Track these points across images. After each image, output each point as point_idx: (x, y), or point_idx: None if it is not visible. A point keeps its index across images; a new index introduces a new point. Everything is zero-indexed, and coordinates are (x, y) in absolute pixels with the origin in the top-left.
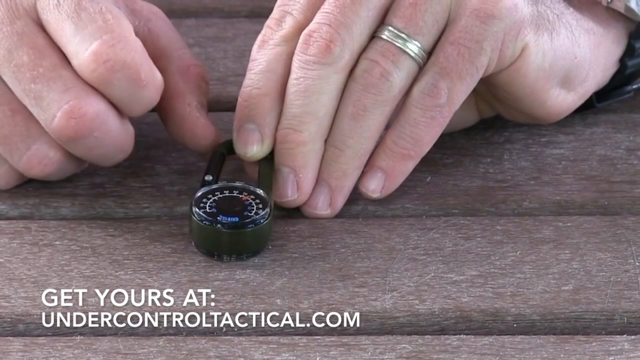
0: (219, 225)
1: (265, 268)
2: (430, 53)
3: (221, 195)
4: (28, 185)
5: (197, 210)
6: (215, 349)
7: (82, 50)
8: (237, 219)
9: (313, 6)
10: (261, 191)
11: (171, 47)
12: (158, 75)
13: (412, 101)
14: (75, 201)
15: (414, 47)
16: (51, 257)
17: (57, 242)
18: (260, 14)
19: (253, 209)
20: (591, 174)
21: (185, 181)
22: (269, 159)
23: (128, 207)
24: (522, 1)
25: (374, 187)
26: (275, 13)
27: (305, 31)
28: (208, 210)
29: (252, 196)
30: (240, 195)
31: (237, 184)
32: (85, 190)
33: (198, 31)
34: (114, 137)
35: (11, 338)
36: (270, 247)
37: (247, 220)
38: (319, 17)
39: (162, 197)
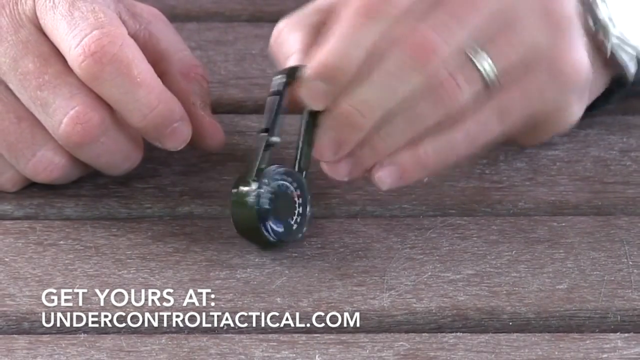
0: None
1: (265, 267)
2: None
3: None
4: (33, 186)
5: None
6: (217, 346)
7: (73, 46)
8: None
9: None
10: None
11: (172, 49)
12: (155, 77)
13: (464, 128)
14: (79, 202)
15: (491, 73)
16: (55, 256)
17: (62, 242)
18: (261, 18)
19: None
20: (585, 175)
21: (187, 182)
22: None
23: (131, 207)
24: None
25: (390, 182)
26: None
27: (413, 28)
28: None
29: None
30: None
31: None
32: (89, 191)
33: (199, 35)
34: (121, 143)
35: (16, 336)
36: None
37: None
38: (429, 19)
39: (165, 198)
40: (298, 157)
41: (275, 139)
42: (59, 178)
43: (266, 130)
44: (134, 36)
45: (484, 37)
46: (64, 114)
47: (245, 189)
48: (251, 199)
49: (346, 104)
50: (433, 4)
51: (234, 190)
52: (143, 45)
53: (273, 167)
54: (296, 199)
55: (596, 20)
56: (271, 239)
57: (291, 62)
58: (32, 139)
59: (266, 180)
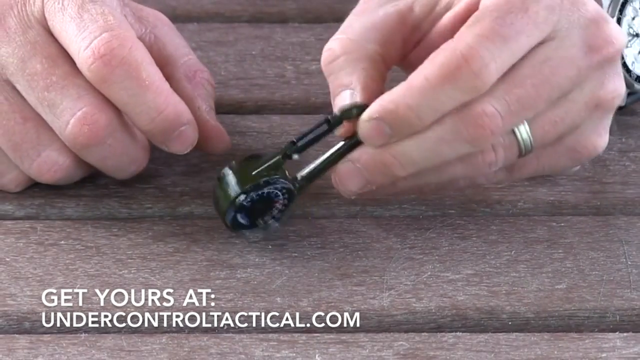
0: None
1: (265, 267)
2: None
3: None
4: (34, 186)
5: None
6: (217, 346)
7: (82, 48)
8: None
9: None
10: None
11: (177, 53)
12: (163, 80)
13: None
14: (80, 202)
15: (530, 149)
16: (56, 256)
17: (62, 242)
18: (261, 19)
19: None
20: (584, 175)
21: (188, 182)
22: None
23: (131, 207)
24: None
25: (355, 189)
26: (474, 51)
27: (481, 109)
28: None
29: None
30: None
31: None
32: (89, 191)
33: (200, 35)
34: (127, 146)
35: (17, 335)
36: (270, 246)
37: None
38: (496, 99)
39: (165, 198)
40: (309, 170)
41: (296, 156)
42: (63, 179)
43: (294, 144)
44: (139, 39)
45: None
46: (71, 114)
47: (235, 185)
48: (233, 193)
49: (389, 154)
50: (509, 83)
51: (230, 170)
52: (149, 48)
53: (276, 178)
54: (278, 206)
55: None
56: (228, 223)
57: (347, 96)
58: (37, 139)
59: (259, 189)
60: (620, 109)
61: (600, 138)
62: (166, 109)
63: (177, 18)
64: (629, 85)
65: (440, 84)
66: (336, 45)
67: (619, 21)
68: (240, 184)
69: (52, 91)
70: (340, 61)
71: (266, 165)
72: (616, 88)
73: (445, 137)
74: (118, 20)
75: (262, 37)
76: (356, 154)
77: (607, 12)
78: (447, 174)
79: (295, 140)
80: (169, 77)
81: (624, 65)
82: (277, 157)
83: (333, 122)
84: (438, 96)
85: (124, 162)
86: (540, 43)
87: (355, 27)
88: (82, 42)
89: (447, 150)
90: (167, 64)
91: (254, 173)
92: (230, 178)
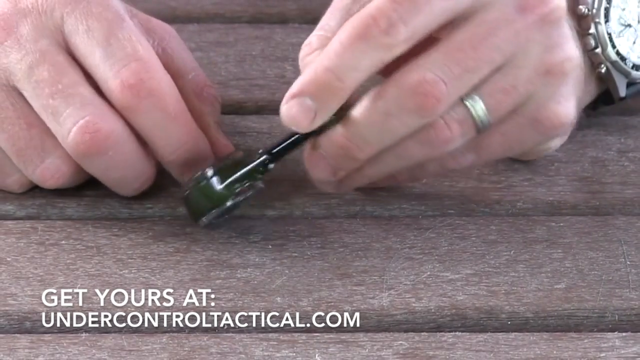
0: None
1: (265, 267)
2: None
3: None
4: (35, 187)
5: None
6: (217, 345)
7: (111, 76)
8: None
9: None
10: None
11: (185, 68)
12: (187, 113)
13: (439, 159)
14: (80, 202)
15: (485, 121)
16: (57, 256)
17: (63, 242)
18: (261, 19)
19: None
20: (583, 175)
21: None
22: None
23: (132, 207)
24: (574, 111)
25: (323, 176)
26: (382, 11)
27: (420, 76)
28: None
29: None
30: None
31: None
32: (90, 191)
33: (200, 36)
34: (132, 160)
35: (18, 335)
36: (270, 246)
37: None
38: (437, 66)
39: (165, 198)
40: (275, 151)
41: (271, 166)
42: (66, 184)
43: (269, 153)
44: None
45: (483, 85)
46: (74, 123)
47: (222, 189)
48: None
49: (343, 137)
50: (446, 49)
51: (207, 180)
52: None
53: (260, 180)
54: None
55: (596, 40)
56: (203, 220)
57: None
58: (41, 146)
59: (243, 194)
60: (621, 99)
61: (560, 106)
62: (188, 142)
63: (177, 19)
64: (625, 74)
65: (353, 44)
66: (314, 40)
67: (607, 11)
68: (226, 188)
69: (57, 99)
70: (316, 54)
71: (241, 175)
72: (565, 52)
73: (391, 110)
74: (146, 48)
75: (262, 38)
76: (318, 140)
77: (593, 3)
78: (407, 156)
79: (270, 151)
80: (178, 90)
81: (619, 54)
82: (252, 167)
83: (305, 135)
84: (353, 55)
85: (128, 177)
86: (472, 11)
87: (332, 24)
88: (109, 70)
89: (397, 124)
90: (175, 78)
91: (238, 178)
92: (215, 182)
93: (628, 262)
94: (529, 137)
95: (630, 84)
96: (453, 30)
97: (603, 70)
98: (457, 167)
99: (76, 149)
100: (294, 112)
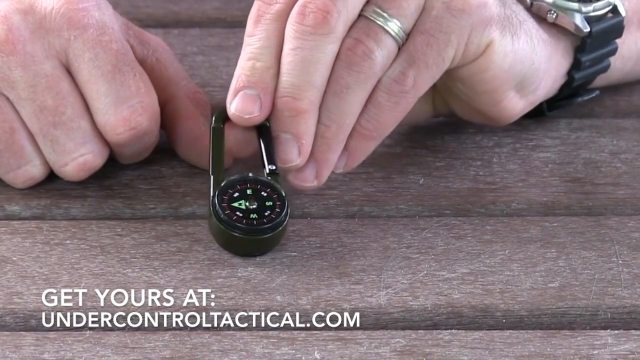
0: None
1: (265, 266)
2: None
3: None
4: (40, 187)
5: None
6: (218, 343)
7: (111, 112)
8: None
9: None
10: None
11: (178, 76)
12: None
13: (380, 86)
14: (84, 202)
15: (394, 27)
16: (62, 255)
17: (68, 242)
18: None
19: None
20: (576, 176)
21: (190, 183)
22: (266, 127)
23: (135, 207)
24: (492, 0)
25: (338, 164)
26: None
27: (301, 1)
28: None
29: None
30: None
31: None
32: (94, 192)
33: (202, 40)
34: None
35: (23, 333)
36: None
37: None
38: None
39: (168, 199)
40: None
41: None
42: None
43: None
44: (142, 61)
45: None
46: (72, 158)
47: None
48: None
49: (279, 97)
50: None
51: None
52: (151, 69)
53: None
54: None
55: None
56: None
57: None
58: (20, 152)
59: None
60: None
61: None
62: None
63: (180, 23)
64: (576, 11)
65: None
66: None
67: None
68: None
69: (59, 129)
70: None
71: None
72: None
73: (297, 43)
74: (148, 87)
75: None
76: (270, 132)
77: None
78: (344, 87)
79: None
80: (172, 96)
81: None
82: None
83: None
84: (264, 32)
85: None
86: None
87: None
88: (111, 105)
89: (309, 54)
90: (170, 84)
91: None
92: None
93: (620, 261)
94: (447, 23)
95: (590, 22)
96: None
97: (554, 16)
98: (403, 90)
99: (67, 178)
100: (240, 105)
